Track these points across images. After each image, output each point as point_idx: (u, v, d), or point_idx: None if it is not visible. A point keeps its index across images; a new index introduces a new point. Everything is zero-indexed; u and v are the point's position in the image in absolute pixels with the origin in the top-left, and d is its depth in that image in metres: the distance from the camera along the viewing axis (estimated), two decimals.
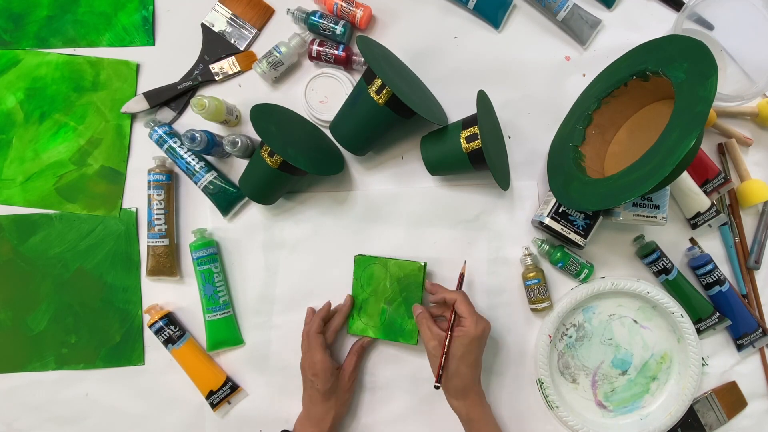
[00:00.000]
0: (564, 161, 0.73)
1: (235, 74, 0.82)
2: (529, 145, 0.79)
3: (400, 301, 0.76)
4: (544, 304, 0.75)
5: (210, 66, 0.81)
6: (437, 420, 0.78)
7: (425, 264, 0.76)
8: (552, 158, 0.76)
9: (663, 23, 0.80)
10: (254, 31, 0.82)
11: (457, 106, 0.80)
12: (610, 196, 0.62)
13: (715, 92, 0.56)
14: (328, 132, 0.81)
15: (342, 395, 0.75)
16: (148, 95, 0.81)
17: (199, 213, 0.81)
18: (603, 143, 0.75)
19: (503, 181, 0.74)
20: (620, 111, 0.73)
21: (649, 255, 0.75)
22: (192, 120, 0.82)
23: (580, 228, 0.72)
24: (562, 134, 0.76)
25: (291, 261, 0.80)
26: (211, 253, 0.78)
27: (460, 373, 0.68)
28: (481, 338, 0.69)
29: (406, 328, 0.76)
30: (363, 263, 0.77)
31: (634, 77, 0.68)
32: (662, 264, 0.75)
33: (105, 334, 0.81)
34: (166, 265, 0.78)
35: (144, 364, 0.80)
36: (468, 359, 0.68)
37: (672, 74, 0.62)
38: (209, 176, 0.78)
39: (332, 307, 0.79)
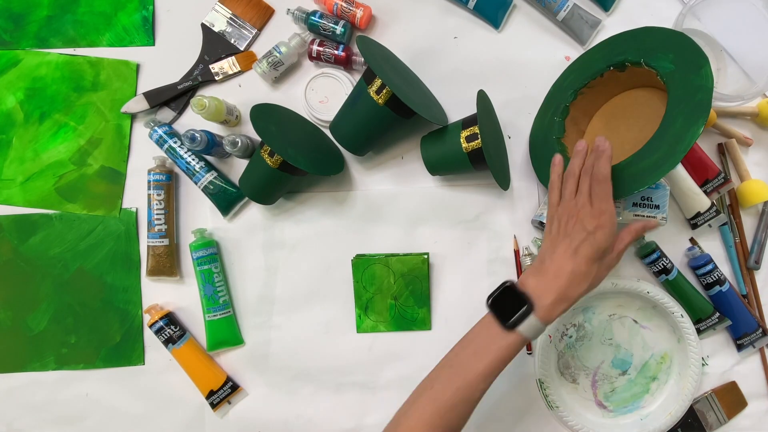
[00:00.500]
0: (550, 155, 0.73)
1: (235, 74, 0.82)
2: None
3: (407, 294, 0.77)
4: None
5: (210, 66, 0.81)
6: None
7: (428, 255, 0.77)
8: (535, 153, 0.76)
9: (663, 23, 0.79)
10: (254, 31, 0.83)
11: (457, 106, 0.80)
12: (622, 185, 0.63)
13: (712, 80, 0.57)
14: (328, 132, 0.81)
15: (609, 262, 0.60)
16: (148, 95, 0.81)
17: (199, 213, 0.81)
18: (578, 134, 0.76)
19: (503, 181, 0.74)
20: (593, 101, 0.74)
21: (649, 255, 0.75)
22: (192, 120, 0.82)
23: None
24: (540, 127, 0.76)
25: (291, 261, 0.80)
26: (211, 253, 0.78)
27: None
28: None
29: (417, 317, 0.77)
30: (362, 265, 0.77)
31: (611, 68, 0.69)
32: (662, 264, 0.75)
33: (105, 334, 0.81)
34: (166, 265, 0.78)
35: (144, 364, 0.80)
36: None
37: (658, 65, 0.63)
38: (209, 176, 0.78)
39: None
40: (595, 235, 0.58)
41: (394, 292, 0.77)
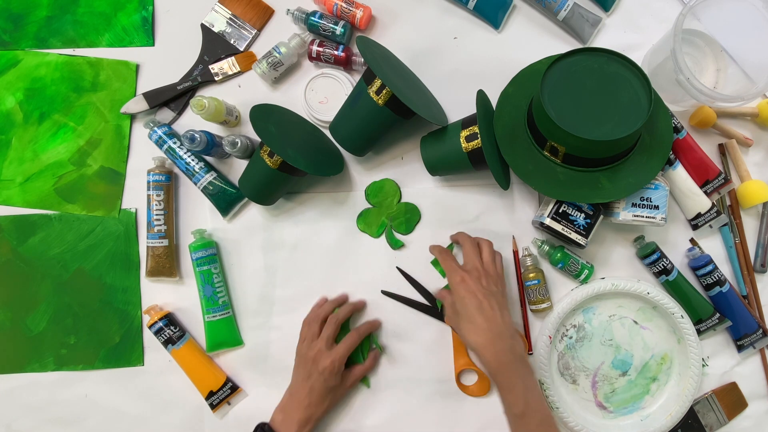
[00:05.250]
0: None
1: (235, 75, 0.82)
2: None
3: (402, 221, 0.79)
4: (544, 305, 0.75)
5: (210, 66, 0.81)
6: (439, 420, 0.77)
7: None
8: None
9: (663, 23, 0.80)
10: (254, 32, 0.82)
11: (457, 106, 0.80)
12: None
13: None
14: (327, 132, 0.80)
15: (341, 393, 0.74)
16: (147, 96, 0.81)
17: (198, 213, 0.81)
18: None
19: (503, 181, 0.74)
20: None
21: (650, 255, 0.75)
22: (191, 120, 0.82)
23: (581, 228, 0.71)
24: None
25: (290, 262, 0.80)
26: (210, 254, 0.78)
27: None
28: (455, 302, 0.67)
29: (358, 359, 0.77)
30: (376, 183, 0.79)
31: None
32: (662, 265, 0.75)
33: (104, 334, 0.80)
34: (166, 265, 0.78)
35: (143, 365, 0.80)
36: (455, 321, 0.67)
37: None
38: (209, 177, 0.78)
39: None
40: (325, 376, 0.70)
41: (392, 213, 0.78)
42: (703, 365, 0.77)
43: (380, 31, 0.82)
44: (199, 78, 0.81)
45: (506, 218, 0.79)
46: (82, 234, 0.81)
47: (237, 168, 0.82)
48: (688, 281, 0.76)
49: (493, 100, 0.78)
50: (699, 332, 0.75)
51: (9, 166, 0.82)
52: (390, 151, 0.81)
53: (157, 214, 0.78)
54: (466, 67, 0.81)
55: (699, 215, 0.75)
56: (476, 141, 0.70)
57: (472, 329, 0.64)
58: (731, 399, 0.76)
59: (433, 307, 0.78)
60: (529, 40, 0.81)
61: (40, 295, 0.81)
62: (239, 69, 0.82)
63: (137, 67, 0.83)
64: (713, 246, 0.78)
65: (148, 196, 0.78)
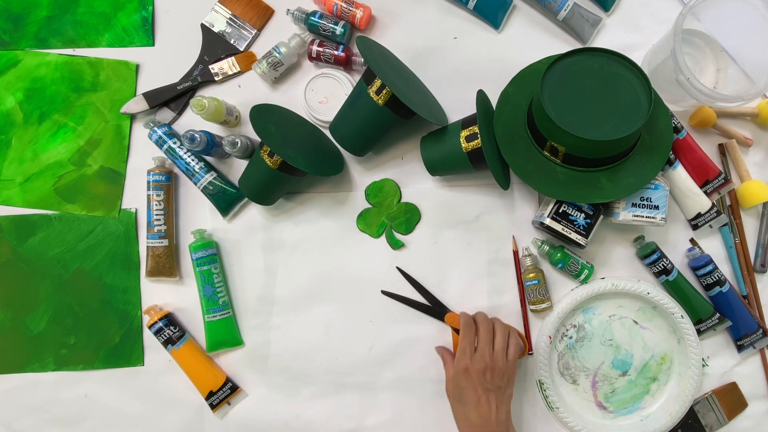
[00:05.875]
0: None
1: (235, 75, 0.82)
2: None
3: (401, 221, 0.79)
4: (544, 305, 0.75)
5: (210, 66, 0.81)
6: (439, 421, 0.77)
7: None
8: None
9: (663, 23, 0.80)
10: (254, 32, 0.82)
11: (457, 106, 0.80)
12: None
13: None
14: (327, 132, 0.81)
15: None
16: (147, 96, 0.81)
17: (198, 214, 0.81)
18: None
19: (503, 181, 0.74)
20: None
21: (650, 256, 0.75)
22: (191, 120, 0.82)
23: (581, 228, 0.71)
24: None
25: (290, 262, 0.80)
26: (210, 254, 0.78)
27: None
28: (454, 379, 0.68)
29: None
30: (376, 183, 0.80)
31: None
32: (662, 265, 0.75)
33: (104, 334, 0.80)
34: (166, 265, 0.78)
35: (143, 365, 0.80)
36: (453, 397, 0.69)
37: None
38: (209, 177, 0.78)
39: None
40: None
41: (392, 213, 0.78)
42: (703, 365, 0.77)
43: (380, 31, 0.82)
44: (199, 78, 0.81)
45: (506, 218, 0.79)
46: (82, 234, 0.81)
47: (237, 168, 0.82)
48: (688, 281, 0.76)
49: (493, 100, 0.78)
50: (699, 332, 0.75)
51: (9, 166, 0.82)
52: (390, 151, 0.81)
53: (157, 214, 0.78)
54: (466, 67, 0.81)
55: (699, 215, 0.76)
56: (476, 141, 0.70)
57: (464, 421, 0.67)
58: (731, 399, 0.76)
59: (433, 307, 0.78)
60: (529, 40, 0.81)
61: (40, 295, 0.81)
62: (239, 69, 0.82)
63: (137, 67, 0.83)
64: (713, 246, 0.78)
65: (148, 196, 0.78)
